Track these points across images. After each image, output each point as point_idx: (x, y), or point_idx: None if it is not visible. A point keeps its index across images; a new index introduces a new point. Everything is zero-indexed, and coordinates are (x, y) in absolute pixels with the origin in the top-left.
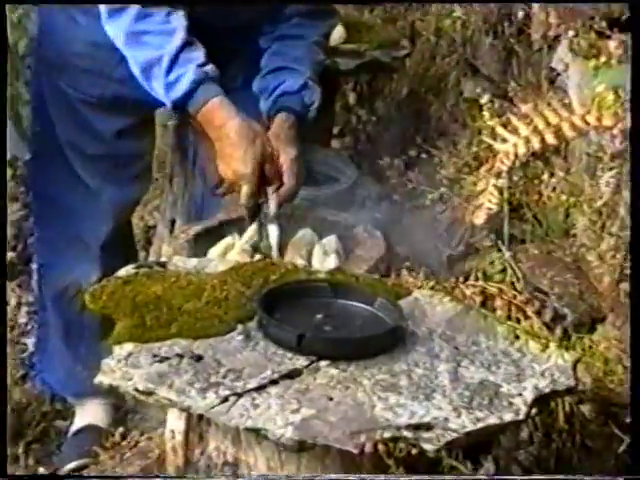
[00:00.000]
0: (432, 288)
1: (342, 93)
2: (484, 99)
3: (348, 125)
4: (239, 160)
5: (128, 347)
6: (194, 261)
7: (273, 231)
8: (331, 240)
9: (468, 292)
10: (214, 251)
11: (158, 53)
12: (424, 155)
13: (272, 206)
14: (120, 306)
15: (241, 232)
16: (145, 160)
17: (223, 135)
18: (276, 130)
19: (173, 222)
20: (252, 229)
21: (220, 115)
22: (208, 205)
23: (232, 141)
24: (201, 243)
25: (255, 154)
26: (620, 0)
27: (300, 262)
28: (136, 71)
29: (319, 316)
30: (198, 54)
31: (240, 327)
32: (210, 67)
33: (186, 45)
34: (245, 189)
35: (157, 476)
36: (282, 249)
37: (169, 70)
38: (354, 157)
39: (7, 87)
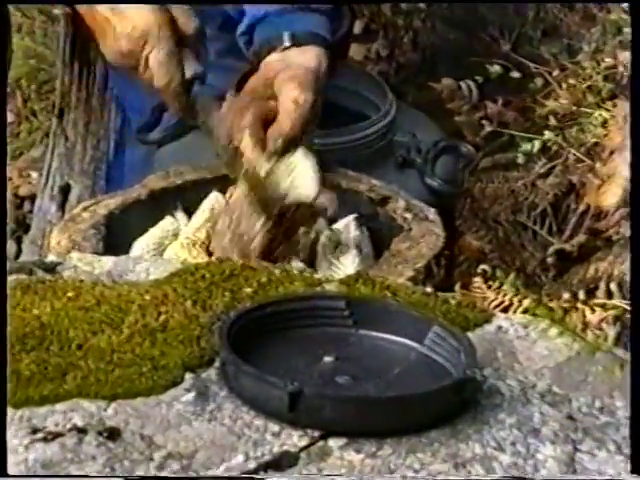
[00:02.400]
0: (527, 310)
1: None
2: None
3: (379, 19)
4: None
5: None
6: (108, 261)
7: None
8: (348, 225)
9: (593, 317)
10: (143, 243)
11: None
12: (515, 73)
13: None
14: None
15: (190, 210)
16: None
17: None
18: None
19: (66, 191)
20: (209, 204)
21: None
22: (131, 162)
23: None
24: (119, 229)
25: None
26: (620, 0)
27: (295, 264)
28: None
29: (328, 359)
30: None
31: (189, 378)
32: None
33: None
34: (155, 56)
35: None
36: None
37: None
38: (390, 77)
39: (7, 86)
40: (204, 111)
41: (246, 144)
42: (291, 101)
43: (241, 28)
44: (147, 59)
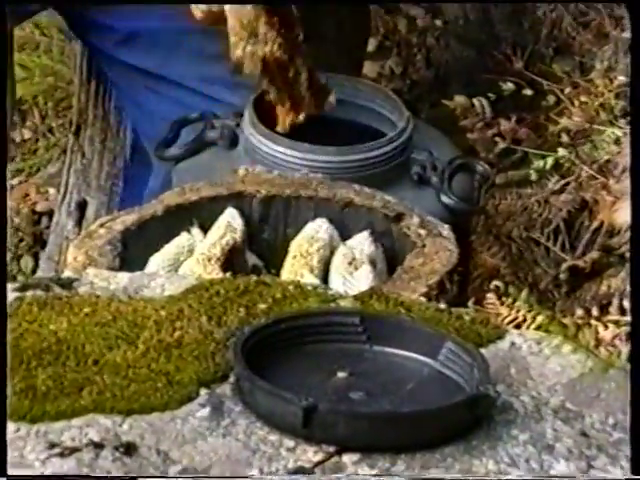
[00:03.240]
0: (540, 327)
1: None
2: None
3: (394, 36)
4: None
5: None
6: (124, 277)
7: None
8: (362, 241)
9: (606, 334)
10: (159, 260)
11: None
12: (528, 91)
13: None
14: None
15: (206, 226)
16: None
17: None
18: None
19: (83, 206)
20: (224, 220)
21: None
22: (152, 188)
23: None
24: (135, 245)
25: None
26: (620, 0)
27: (309, 279)
28: None
29: (342, 375)
30: None
31: (204, 394)
32: None
33: None
34: None
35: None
36: (278, 256)
37: None
38: (403, 94)
39: (7, 87)
40: None
41: None
42: None
43: None
44: None
